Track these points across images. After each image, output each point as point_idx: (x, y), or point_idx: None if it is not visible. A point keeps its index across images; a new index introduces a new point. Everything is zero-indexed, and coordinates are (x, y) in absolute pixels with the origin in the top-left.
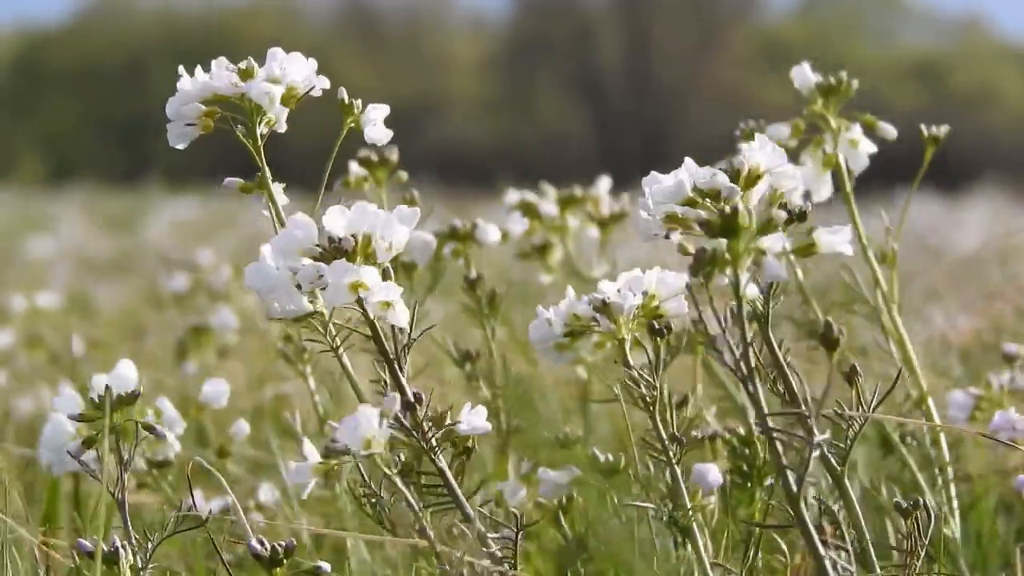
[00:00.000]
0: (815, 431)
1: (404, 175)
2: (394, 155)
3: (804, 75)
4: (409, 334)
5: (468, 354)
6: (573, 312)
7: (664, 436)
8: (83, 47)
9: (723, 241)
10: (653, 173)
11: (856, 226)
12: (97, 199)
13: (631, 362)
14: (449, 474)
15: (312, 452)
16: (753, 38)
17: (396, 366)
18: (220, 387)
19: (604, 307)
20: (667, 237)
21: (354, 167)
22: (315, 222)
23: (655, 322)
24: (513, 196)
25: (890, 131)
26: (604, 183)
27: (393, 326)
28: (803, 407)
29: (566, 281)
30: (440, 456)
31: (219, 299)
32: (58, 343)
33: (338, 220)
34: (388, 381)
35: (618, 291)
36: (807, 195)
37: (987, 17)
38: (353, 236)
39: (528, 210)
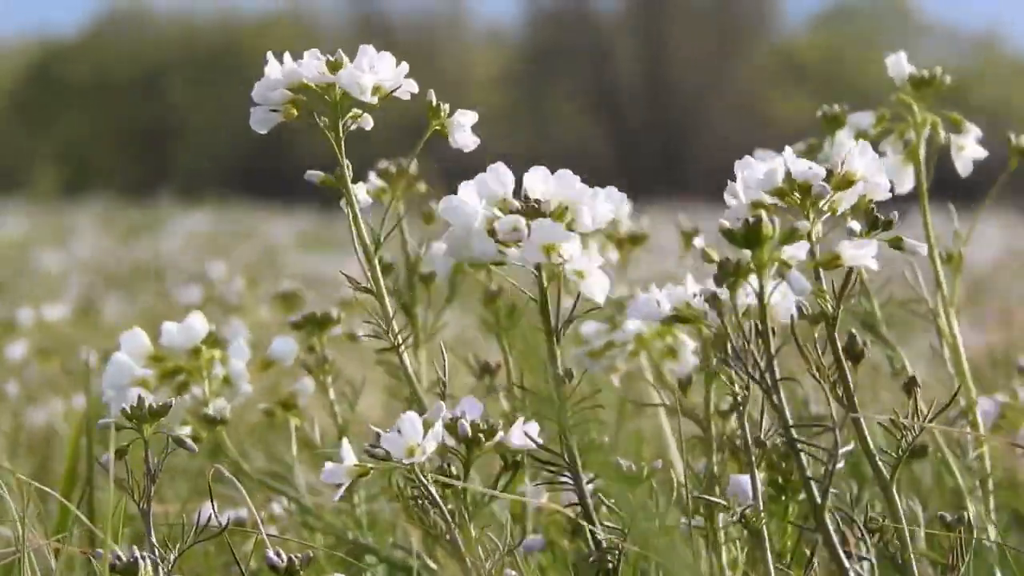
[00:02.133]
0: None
1: (423, 187)
2: (412, 167)
3: (899, 64)
4: (572, 310)
5: (487, 367)
6: (686, 300)
7: (750, 438)
8: (99, 58)
9: (747, 252)
10: (747, 157)
11: (927, 222)
12: (112, 211)
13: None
14: (577, 455)
15: (349, 453)
16: (770, 51)
17: (555, 340)
18: (288, 344)
19: (715, 300)
20: None
21: (372, 178)
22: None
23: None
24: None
25: (976, 131)
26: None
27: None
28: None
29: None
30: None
31: (232, 311)
32: (71, 355)
33: (539, 182)
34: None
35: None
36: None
37: (1004, 34)
38: (551, 201)
39: None
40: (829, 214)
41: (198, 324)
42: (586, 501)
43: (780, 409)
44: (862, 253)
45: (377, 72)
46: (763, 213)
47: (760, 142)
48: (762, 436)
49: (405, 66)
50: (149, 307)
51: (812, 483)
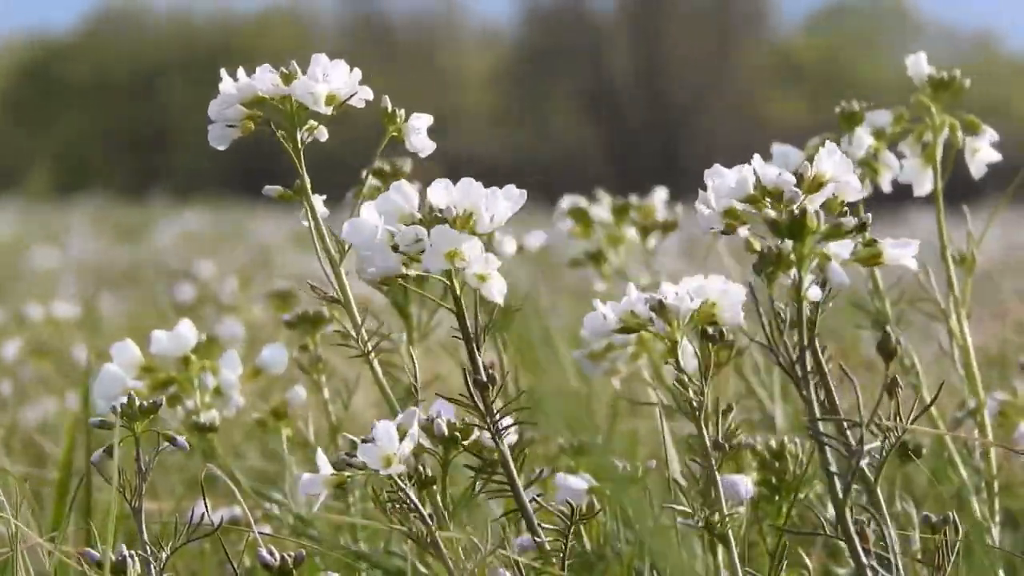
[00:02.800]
0: (864, 439)
1: (417, 187)
2: (407, 167)
3: (919, 65)
4: (492, 313)
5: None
6: (631, 309)
7: (708, 443)
8: (94, 57)
9: (788, 242)
10: (717, 166)
11: (941, 224)
12: (106, 210)
13: (681, 365)
14: (510, 459)
15: (325, 463)
16: (766, 52)
17: (474, 345)
18: (279, 353)
19: (661, 308)
20: (726, 233)
21: (368, 178)
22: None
23: (708, 327)
24: (566, 202)
25: (993, 136)
26: (661, 194)
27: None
28: (857, 414)
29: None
30: (503, 442)
31: (226, 310)
32: (65, 354)
33: (442, 192)
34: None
35: (677, 294)
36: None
37: (999, 34)
38: (454, 208)
39: (580, 217)
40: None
41: (187, 332)
42: (522, 501)
43: (808, 402)
44: (903, 252)
45: (330, 81)
46: (808, 206)
47: (757, 141)
48: (720, 439)
49: (358, 73)
50: (143, 307)
51: (835, 478)
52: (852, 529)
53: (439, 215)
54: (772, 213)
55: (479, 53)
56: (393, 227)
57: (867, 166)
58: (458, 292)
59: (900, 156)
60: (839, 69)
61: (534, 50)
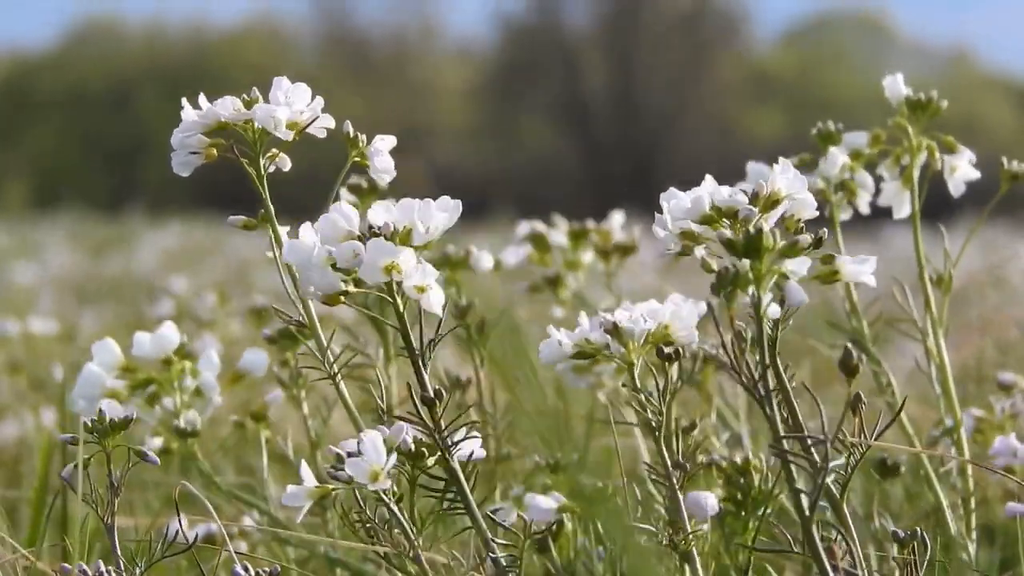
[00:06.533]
0: (829, 456)
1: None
2: (383, 182)
3: (896, 86)
4: (437, 328)
5: (458, 381)
6: (585, 336)
7: (668, 462)
8: (69, 73)
9: (746, 261)
10: (672, 189)
11: (918, 243)
12: (83, 225)
13: (638, 387)
14: (462, 476)
15: (308, 475)
16: (739, 67)
17: (420, 361)
18: (260, 357)
19: (615, 331)
20: (683, 254)
21: (344, 194)
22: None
23: (663, 347)
24: (524, 228)
25: (969, 154)
26: (618, 217)
27: (420, 318)
28: (821, 431)
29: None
30: (454, 457)
31: (204, 326)
32: (41, 369)
33: (381, 212)
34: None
35: (630, 317)
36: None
37: (973, 49)
38: (392, 225)
39: (539, 243)
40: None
41: (170, 334)
42: (476, 518)
43: (772, 420)
44: (861, 269)
45: (291, 104)
46: (764, 224)
47: (731, 157)
48: (680, 459)
49: (320, 100)
50: (121, 322)
51: (801, 495)
52: (819, 546)
53: (376, 231)
54: (728, 233)
55: (454, 68)
56: (333, 247)
57: (844, 188)
58: (401, 308)
59: (877, 177)
60: (815, 84)
61: (509, 65)
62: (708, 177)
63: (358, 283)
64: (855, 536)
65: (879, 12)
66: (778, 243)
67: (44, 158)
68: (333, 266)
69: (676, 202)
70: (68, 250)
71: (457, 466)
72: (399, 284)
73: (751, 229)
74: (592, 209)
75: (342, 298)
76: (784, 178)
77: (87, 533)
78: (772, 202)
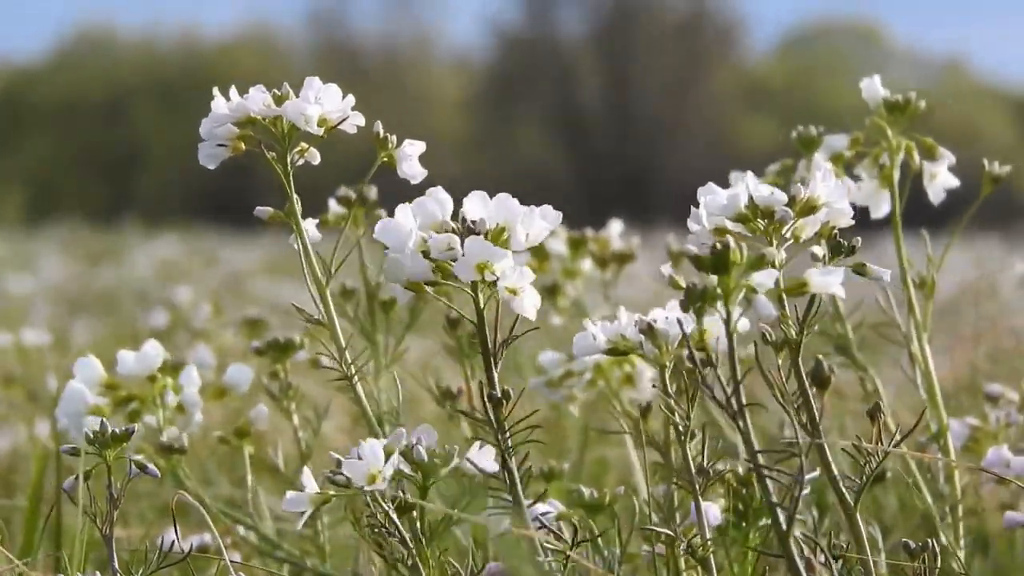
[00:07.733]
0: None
1: (383, 214)
2: (373, 193)
3: (873, 88)
4: (511, 329)
5: (449, 392)
6: (622, 332)
7: (693, 468)
8: (63, 84)
9: (713, 277)
10: (710, 184)
11: (899, 248)
12: (78, 236)
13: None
14: (517, 477)
15: (310, 480)
16: (734, 77)
17: (492, 360)
18: (244, 372)
19: (650, 331)
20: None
21: (333, 205)
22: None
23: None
24: None
25: (949, 157)
26: (616, 226)
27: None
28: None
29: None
30: (512, 460)
31: (198, 336)
32: (36, 380)
33: (477, 205)
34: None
35: (666, 318)
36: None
37: (968, 59)
38: (488, 221)
39: (537, 251)
40: (792, 240)
41: (154, 352)
42: (525, 518)
43: (746, 434)
44: (829, 280)
45: (322, 104)
46: (730, 239)
47: (725, 166)
48: (705, 464)
49: (351, 98)
50: (116, 333)
51: (777, 509)
52: (797, 559)
53: (471, 227)
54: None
55: (449, 78)
56: (425, 233)
57: None
58: (482, 305)
59: (857, 179)
60: (810, 94)
61: (503, 75)
62: (749, 174)
63: (445, 274)
64: (867, 547)
65: (874, 22)
66: (745, 257)
67: (39, 169)
68: (424, 253)
69: (712, 198)
70: (62, 261)
71: (514, 466)
72: (490, 283)
73: (717, 245)
74: (586, 219)
75: (427, 287)
76: (825, 186)
77: (84, 544)
78: (809, 207)
